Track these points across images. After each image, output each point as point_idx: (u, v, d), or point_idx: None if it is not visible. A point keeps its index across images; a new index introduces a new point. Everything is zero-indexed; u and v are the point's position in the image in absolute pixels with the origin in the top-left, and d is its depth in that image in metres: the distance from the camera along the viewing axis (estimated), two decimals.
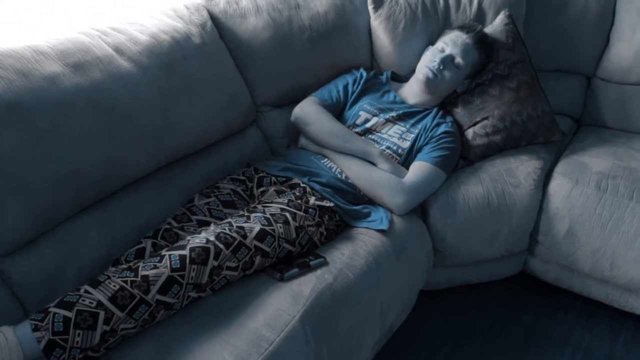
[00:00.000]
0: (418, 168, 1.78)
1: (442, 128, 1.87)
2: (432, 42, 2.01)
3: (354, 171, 1.76)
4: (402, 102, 1.95)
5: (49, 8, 1.70)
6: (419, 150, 1.84)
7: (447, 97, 1.99)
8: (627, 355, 1.87)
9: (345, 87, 1.97)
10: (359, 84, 1.98)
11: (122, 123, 1.49)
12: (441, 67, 1.86)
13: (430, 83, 1.88)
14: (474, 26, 1.95)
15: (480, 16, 2.10)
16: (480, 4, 2.10)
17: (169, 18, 1.77)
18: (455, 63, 1.88)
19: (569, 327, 1.98)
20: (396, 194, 1.71)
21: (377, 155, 1.78)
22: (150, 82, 1.58)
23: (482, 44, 1.91)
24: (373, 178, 1.74)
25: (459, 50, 1.88)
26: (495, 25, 2.03)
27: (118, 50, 1.56)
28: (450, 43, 1.90)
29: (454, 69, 1.88)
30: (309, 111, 1.87)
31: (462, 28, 1.95)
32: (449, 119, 1.93)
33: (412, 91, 1.96)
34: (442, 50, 1.90)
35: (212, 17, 1.89)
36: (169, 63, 1.64)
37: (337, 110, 1.95)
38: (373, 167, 1.76)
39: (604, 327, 1.98)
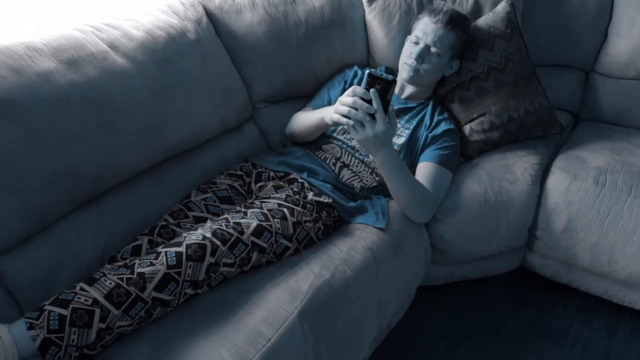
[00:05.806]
0: (429, 174, 1.75)
1: (443, 126, 1.86)
2: None
3: (396, 173, 1.64)
4: (396, 97, 1.94)
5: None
6: (422, 150, 1.82)
7: (438, 85, 1.96)
8: (625, 349, 1.87)
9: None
10: (351, 84, 1.96)
11: (117, 119, 1.48)
12: (420, 62, 1.81)
13: (413, 80, 1.86)
14: (440, 8, 1.86)
15: (477, 9, 2.07)
16: None
17: (164, 14, 1.75)
18: (432, 52, 1.82)
19: (567, 322, 1.98)
20: (427, 212, 1.74)
21: (328, 114, 1.64)
22: (145, 78, 1.57)
23: (454, 24, 1.83)
24: (415, 189, 1.69)
25: (432, 39, 1.81)
26: (497, 12, 1.98)
27: (113, 46, 1.55)
28: (422, 33, 1.83)
29: (433, 58, 1.82)
30: (290, 123, 1.92)
31: (430, 13, 1.86)
32: (446, 115, 1.92)
33: (402, 85, 1.94)
34: (417, 42, 1.83)
35: (208, 13, 1.88)
36: (164, 59, 1.63)
37: None
38: (418, 181, 1.71)
39: (602, 321, 1.98)
